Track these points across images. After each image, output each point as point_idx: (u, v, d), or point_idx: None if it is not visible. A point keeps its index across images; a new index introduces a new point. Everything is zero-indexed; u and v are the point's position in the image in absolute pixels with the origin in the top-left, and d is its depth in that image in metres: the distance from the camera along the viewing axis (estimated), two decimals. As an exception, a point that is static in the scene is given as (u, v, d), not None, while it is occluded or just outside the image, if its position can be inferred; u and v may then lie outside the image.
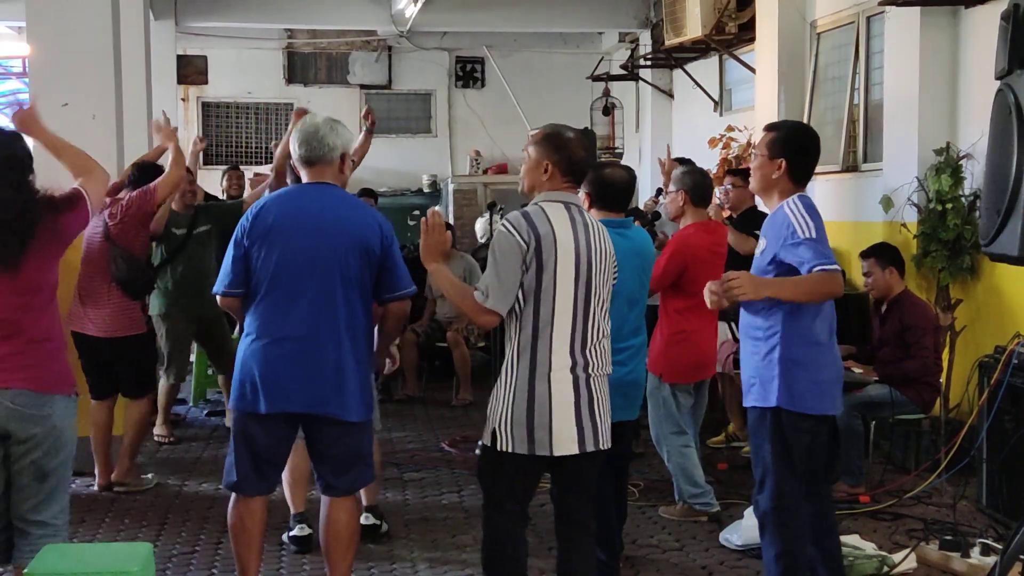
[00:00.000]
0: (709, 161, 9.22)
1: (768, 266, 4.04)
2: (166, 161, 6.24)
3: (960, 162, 6.74)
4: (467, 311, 3.78)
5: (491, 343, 8.39)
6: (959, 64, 6.92)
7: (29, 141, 3.90)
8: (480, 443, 3.88)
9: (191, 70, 13.48)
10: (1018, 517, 4.15)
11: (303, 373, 4.01)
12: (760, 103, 8.95)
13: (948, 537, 4.98)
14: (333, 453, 4.14)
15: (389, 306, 4.20)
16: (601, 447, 3.76)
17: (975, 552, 4.89)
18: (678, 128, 12.16)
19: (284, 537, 5.24)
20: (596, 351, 3.74)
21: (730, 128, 9.62)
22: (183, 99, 13.53)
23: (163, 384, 7.23)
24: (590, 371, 3.72)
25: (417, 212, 12.85)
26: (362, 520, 4.82)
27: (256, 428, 4.08)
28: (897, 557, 4.97)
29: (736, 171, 7.61)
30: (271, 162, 6.00)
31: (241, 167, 10.99)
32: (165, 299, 7.04)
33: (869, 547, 5.07)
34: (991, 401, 5.28)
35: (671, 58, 11.41)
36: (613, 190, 4.62)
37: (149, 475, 6.41)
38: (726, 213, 7.09)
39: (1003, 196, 3.57)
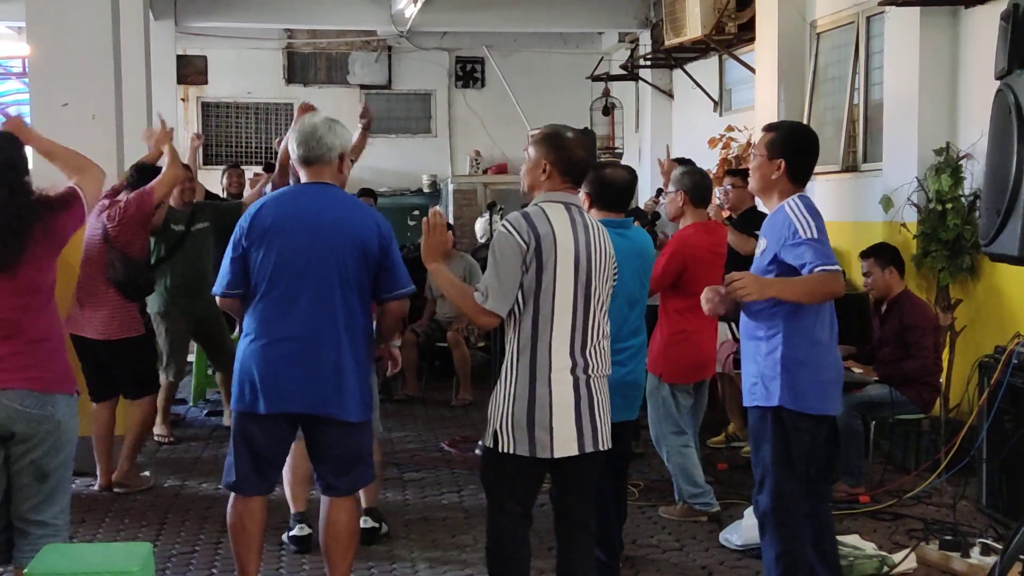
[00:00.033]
0: (709, 161, 9.22)
1: (769, 266, 4.04)
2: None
3: (960, 162, 6.74)
4: (467, 311, 3.78)
5: (491, 343, 8.39)
6: (959, 64, 6.92)
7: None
8: (481, 444, 3.88)
9: (191, 70, 13.48)
10: (1018, 517, 4.15)
11: (302, 373, 4.01)
12: (760, 103, 8.95)
13: (948, 537, 4.98)
14: (333, 454, 4.14)
15: (387, 305, 4.20)
16: (600, 448, 3.76)
17: (975, 552, 4.89)
18: (678, 128, 12.15)
19: (284, 537, 5.24)
20: (596, 352, 3.74)
21: (730, 128, 9.62)
22: (183, 99, 13.52)
23: (161, 382, 7.23)
24: (590, 372, 3.72)
25: (417, 212, 12.85)
26: (360, 523, 4.82)
27: (255, 428, 4.09)
28: (897, 557, 4.97)
29: (736, 171, 7.62)
30: (272, 162, 6.00)
31: (241, 167, 10.98)
32: (164, 297, 7.04)
33: (869, 547, 5.07)
34: (991, 401, 5.28)
35: (671, 58, 11.41)
36: (613, 190, 4.62)
37: (146, 473, 6.41)
38: (726, 213, 7.09)
39: (1003, 196, 3.57)
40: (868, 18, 7.92)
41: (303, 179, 4.19)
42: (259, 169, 10.93)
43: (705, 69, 11.19)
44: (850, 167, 8.16)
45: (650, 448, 6.13)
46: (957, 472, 5.66)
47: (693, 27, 9.68)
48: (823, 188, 8.18)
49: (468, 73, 14.28)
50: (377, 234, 4.09)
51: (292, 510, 5.24)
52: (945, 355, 6.61)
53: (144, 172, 6.16)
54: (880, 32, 7.74)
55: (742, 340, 4.30)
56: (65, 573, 3.43)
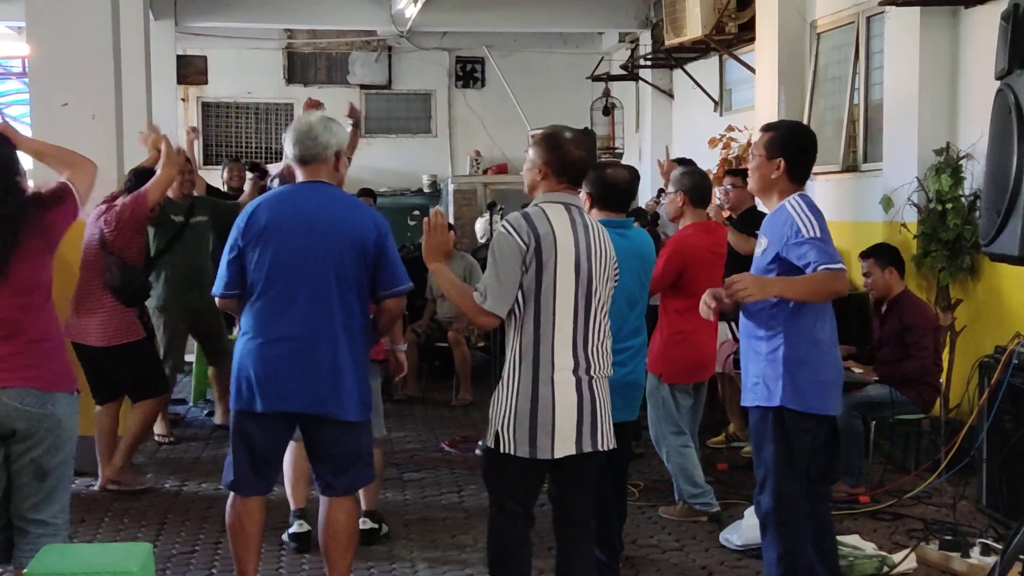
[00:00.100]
0: (709, 161, 9.23)
1: (769, 265, 4.04)
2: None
3: (960, 162, 6.74)
4: (466, 311, 3.78)
5: (491, 343, 8.39)
6: (959, 64, 6.92)
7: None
8: (483, 444, 3.87)
9: (191, 70, 13.48)
10: (1018, 517, 4.15)
11: (300, 373, 4.01)
12: (760, 103, 8.95)
13: (948, 537, 4.98)
14: (332, 453, 4.14)
15: (384, 303, 4.19)
16: (600, 448, 3.75)
17: (975, 552, 4.89)
18: (678, 128, 12.16)
19: (284, 536, 5.24)
20: (598, 352, 3.74)
21: (730, 128, 9.62)
22: (183, 99, 13.53)
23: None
24: (592, 372, 3.72)
25: (417, 212, 12.85)
26: (360, 525, 4.81)
27: (253, 427, 4.09)
28: (897, 557, 4.97)
29: (736, 171, 7.61)
30: (272, 162, 5.99)
31: (242, 161, 10.96)
32: (163, 291, 7.05)
33: (869, 547, 5.06)
34: (991, 401, 5.28)
35: (671, 58, 11.41)
36: (615, 190, 4.62)
37: (148, 475, 6.41)
38: (726, 213, 7.09)
39: (1003, 196, 3.57)
40: (868, 18, 7.92)
41: (299, 178, 4.18)
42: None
43: (705, 69, 11.19)
44: (850, 167, 8.16)
45: (650, 448, 6.12)
46: (957, 472, 5.66)
47: (693, 27, 9.68)
48: (823, 188, 8.18)
49: (468, 73, 14.29)
50: (374, 232, 4.08)
51: (292, 507, 5.24)
52: (945, 355, 6.61)
53: (141, 176, 6.16)
54: (880, 32, 7.74)
55: (741, 340, 4.30)
56: (65, 573, 3.43)
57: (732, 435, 7.10)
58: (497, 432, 3.69)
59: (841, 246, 7.46)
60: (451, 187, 13.42)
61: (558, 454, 3.66)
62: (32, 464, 3.70)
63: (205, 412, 8.29)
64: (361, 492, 4.91)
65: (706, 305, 4.05)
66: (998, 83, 3.72)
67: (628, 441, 4.84)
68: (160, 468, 6.69)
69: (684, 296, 5.36)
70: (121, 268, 5.88)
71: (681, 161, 7.27)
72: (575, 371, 3.68)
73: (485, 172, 13.74)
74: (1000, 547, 4.39)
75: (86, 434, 5.68)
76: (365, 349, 4.19)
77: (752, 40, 9.30)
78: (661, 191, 7.85)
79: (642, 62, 11.98)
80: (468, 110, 14.24)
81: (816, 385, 4.03)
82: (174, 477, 6.50)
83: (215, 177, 10.28)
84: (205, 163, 12.97)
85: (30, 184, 3.94)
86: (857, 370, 6.22)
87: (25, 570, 3.44)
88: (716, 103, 11.01)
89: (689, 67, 11.31)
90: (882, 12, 7.49)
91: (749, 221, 6.81)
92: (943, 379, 6.46)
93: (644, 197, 10.59)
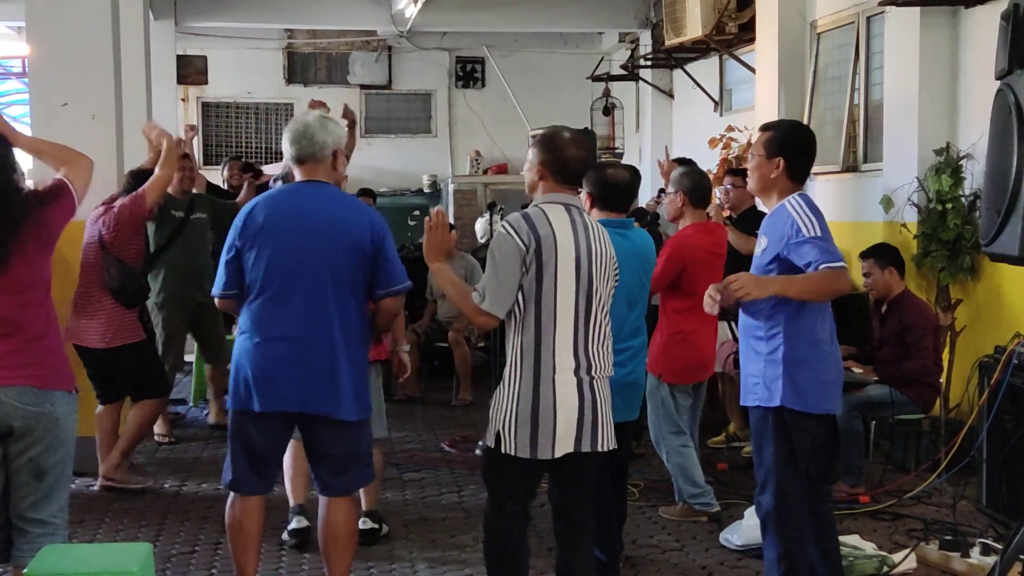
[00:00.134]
0: (709, 161, 9.22)
1: (769, 265, 4.04)
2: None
3: (960, 162, 6.74)
4: (466, 311, 3.78)
5: (491, 343, 8.39)
6: (959, 64, 6.92)
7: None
8: (483, 444, 3.87)
9: (191, 70, 13.48)
10: (1018, 517, 4.15)
11: (298, 373, 4.00)
12: (760, 103, 8.95)
13: (948, 537, 4.98)
14: (331, 453, 4.14)
15: (381, 302, 4.18)
16: (601, 448, 3.75)
17: (975, 552, 4.89)
18: (678, 128, 12.15)
19: (284, 536, 5.24)
20: (598, 353, 3.74)
21: (730, 128, 9.61)
22: (183, 99, 13.53)
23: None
24: (593, 373, 3.72)
25: (417, 212, 12.86)
26: (360, 525, 4.82)
27: (251, 427, 4.08)
28: (897, 557, 4.97)
29: (736, 171, 7.61)
30: (272, 162, 5.99)
31: (243, 160, 10.96)
32: (163, 288, 7.05)
33: (869, 547, 5.06)
34: (991, 401, 5.28)
35: (671, 58, 11.41)
36: (615, 191, 4.62)
37: (147, 475, 6.41)
38: (726, 213, 7.09)
39: (1003, 196, 3.57)
40: (868, 18, 7.92)
41: (297, 178, 4.17)
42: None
43: (705, 69, 11.19)
44: (850, 167, 8.16)
45: (650, 448, 6.12)
46: (957, 472, 5.66)
47: (693, 27, 9.68)
48: (823, 188, 8.18)
49: (468, 73, 14.29)
50: (371, 232, 4.07)
51: (291, 503, 5.24)
52: (945, 355, 6.61)
53: (139, 178, 6.15)
54: (880, 32, 7.74)
55: (741, 340, 4.30)
56: (65, 573, 3.43)
57: (732, 435, 7.10)
58: (498, 432, 3.69)
59: (841, 246, 7.40)
60: (451, 187, 13.42)
61: (558, 453, 3.66)
62: (30, 463, 3.69)
63: (204, 412, 8.29)
64: (361, 492, 4.92)
65: (710, 298, 4.04)
66: (998, 83, 3.72)
67: (628, 441, 4.84)
68: (160, 468, 6.69)
69: (684, 296, 5.36)
70: (120, 269, 5.89)
71: (681, 161, 7.27)
72: (576, 372, 3.68)
73: (485, 172, 13.74)
74: (1000, 547, 4.39)
75: (86, 435, 5.69)
76: (363, 349, 4.19)
77: (752, 40, 9.30)
78: (661, 191, 7.85)
79: (642, 62, 11.98)
80: (468, 110, 14.24)
81: (816, 385, 4.03)
82: (174, 477, 6.50)
83: (215, 177, 10.27)
84: (205, 163, 12.97)
85: (28, 183, 3.95)
86: (857, 370, 6.22)
87: (25, 570, 3.44)
88: (716, 103, 11.00)
89: (689, 67, 11.31)
90: (882, 12, 7.49)
91: (749, 221, 6.80)
92: (943, 379, 6.46)
93: (644, 197, 10.58)
